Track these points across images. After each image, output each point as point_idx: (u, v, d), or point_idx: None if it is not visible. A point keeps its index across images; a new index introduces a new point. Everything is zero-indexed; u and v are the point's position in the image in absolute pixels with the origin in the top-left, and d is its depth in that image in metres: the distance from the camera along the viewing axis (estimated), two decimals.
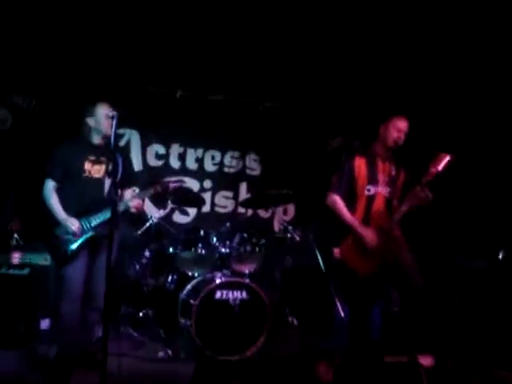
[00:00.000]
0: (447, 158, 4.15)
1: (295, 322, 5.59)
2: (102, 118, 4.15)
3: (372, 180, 4.48)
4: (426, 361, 3.82)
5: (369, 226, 4.40)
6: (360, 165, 4.50)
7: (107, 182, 4.18)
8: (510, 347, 4.30)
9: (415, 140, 4.57)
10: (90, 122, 4.20)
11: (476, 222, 5.73)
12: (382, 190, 4.50)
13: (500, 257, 4.61)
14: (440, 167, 4.17)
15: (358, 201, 4.48)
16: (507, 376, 3.87)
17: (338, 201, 4.45)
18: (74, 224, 4.05)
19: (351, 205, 4.47)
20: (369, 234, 4.31)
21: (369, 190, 4.48)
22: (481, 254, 4.73)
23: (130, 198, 4.29)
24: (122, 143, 6.31)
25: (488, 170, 5.79)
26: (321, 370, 4.10)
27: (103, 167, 4.19)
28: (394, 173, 4.57)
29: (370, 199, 4.47)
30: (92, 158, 4.20)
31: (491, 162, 5.77)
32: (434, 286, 4.73)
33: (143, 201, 4.38)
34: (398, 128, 4.45)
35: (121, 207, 4.21)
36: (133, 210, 4.29)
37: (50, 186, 4.16)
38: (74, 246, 4.08)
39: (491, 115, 5.79)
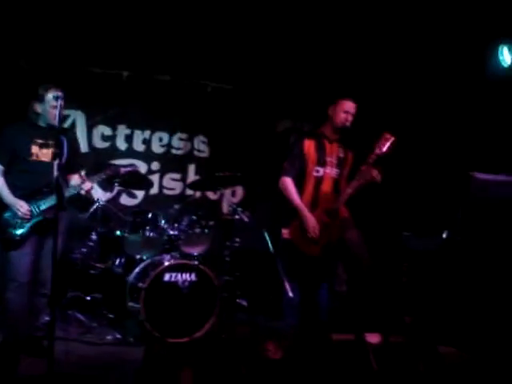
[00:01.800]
0: (392, 139, 4.29)
1: (244, 303, 5.63)
2: (49, 107, 4.06)
3: (320, 161, 4.56)
4: (373, 339, 3.92)
5: (317, 206, 4.47)
6: (309, 146, 4.57)
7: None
8: (454, 324, 4.46)
9: (363, 121, 4.65)
10: (37, 107, 4.11)
11: (422, 202, 5.88)
12: (329, 171, 4.59)
13: (444, 236, 4.74)
14: (385, 148, 4.30)
15: (307, 182, 4.56)
16: (452, 352, 4.01)
17: (289, 184, 4.53)
18: (23, 207, 3.96)
19: (300, 186, 4.54)
20: (311, 223, 4.41)
21: (317, 171, 4.56)
22: (426, 234, 4.85)
23: (80, 181, 4.21)
24: (67, 124, 6.16)
25: (433, 149, 5.93)
26: (270, 349, 4.16)
27: (51, 150, 4.09)
28: (342, 154, 4.67)
29: (319, 180, 4.55)
30: (39, 141, 4.10)
31: (437, 142, 5.91)
32: (380, 265, 4.84)
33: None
34: (346, 110, 4.53)
35: (71, 191, 4.15)
36: (83, 193, 4.22)
37: None
38: (22, 231, 3.99)
39: (436, 95, 5.92)
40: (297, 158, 4.57)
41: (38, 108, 4.11)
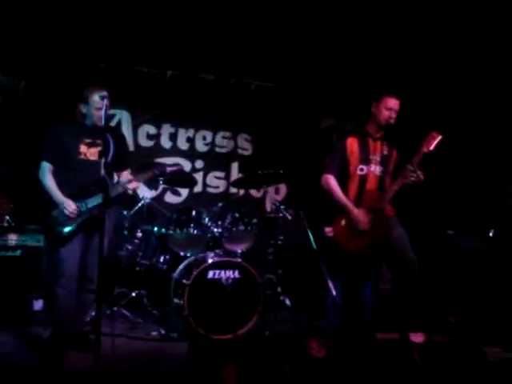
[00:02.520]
0: (439, 138, 4.19)
1: (287, 301, 5.62)
2: (93, 109, 4.13)
3: (364, 159, 4.50)
4: (417, 338, 3.87)
5: (361, 205, 4.43)
6: (352, 144, 4.53)
7: None
8: (499, 324, 4.36)
9: (407, 119, 4.57)
10: (82, 109, 4.18)
11: (467, 201, 5.77)
12: (374, 170, 4.52)
13: (490, 235, 4.65)
14: (432, 146, 4.20)
15: (351, 180, 4.51)
16: (497, 352, 3.93)
17: (331, 182, 4.50)
18: (70, 206, 4.04)
19: (344, 184, 4.50)
20: (361, 217, 4.36)
21: (361, 170, 4.51)
22: (472, 233, 4.76)
23: (127, 180, 4.26)
24: (113, 124, 6.27)
25: (480, 148, 5.81)
26: (313, 348, 4.14)
27: (99, 149, 4.16)
28: (386, 152, 4.58)
29: (363, 178, 4.50)
30: (87, 140, 4.17)
31: (483, 140, 5.79)
32: (425, 264, 4.77)
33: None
34: (389, 106, 4.46)
35: (118, 189, 4.20)
36: (130, 192, 4.29)
37: (46, 168, 4.15)
38: (69, 228, 4.07)
39: (484, 93, 5.80)
40: (339, 155, 4.52)
41: (83, 109, 4.18)
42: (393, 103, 4.47)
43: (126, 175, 4.36)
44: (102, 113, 3.65)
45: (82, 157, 4.15)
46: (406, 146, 4.50)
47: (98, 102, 4.05)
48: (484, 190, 5.60)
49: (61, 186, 4.11)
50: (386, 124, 4.47)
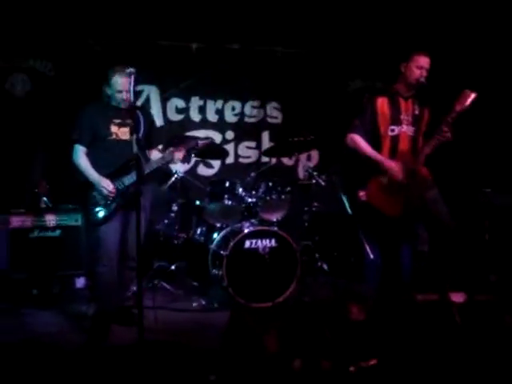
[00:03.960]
0: (473, 96, 4.04)
1: (325, 267, 5.64)
2: (115, 91, 4.15)
3: (395, 120, 4.39)
4: (457, 298, 3.84)
5: None
6: (382, 105, 4.40)
7: None
8: None
9: (439, 78, 4.46)
10: (107, 90, 4.21)
11: (503, 158, 5.65)
12: (406, 130, 4.41)
13: None
14: (466, 105, 4.06)
15: (383, 142, 4.40)
16: None
17: (358, 139, 4.38)
18: (109, 185, 4.10)
19: (376, 146, 4.40)
20: (394, 166, 4.26)
21: (393, 131, 4.40)
22: (508, 190, 4.67)
23: (170, 152, 4.26)
24: (142, 99, 6.30)
25: None
26: (353, 312, 4.15)
27: (129, 128, 4.16)
28: (417, 112, 4.45)
29: (395, 139, 4.39)
30: (117, 120, 4.20)
31: None
32: (462, 223, 4.71)
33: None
34: (420, 65, 4.30)
35: (153, 165, 4.24)
36: (174, 163, 4.36)
37: (80, 150, 4.21)
38: (108, 208, 4.13)
39: None
40: (368, 116, 4.40)
41: (108, 91, 4.20)
42: (423, 61, 4.31)
43: (157, 151, 4.39)
44: (130, 88, 3.64)
45: (114, 137, 4.18)
46: (439, 106, 4.37)
47: (119, 84, 4.09)
48: None
49: (95, 167, 4.16)
50: (416, 83, 4.33)
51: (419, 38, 5.89)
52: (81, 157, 4.19)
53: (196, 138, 4.92)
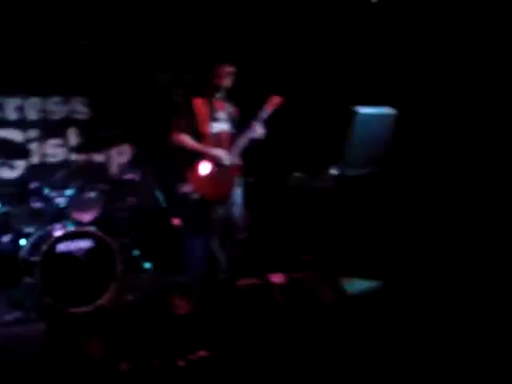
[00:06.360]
0: (279, 99, 4.65)
1: (145, 262, 5.54)
2: None
3: (213, 118, 4.70)
4: (277, 279, 4.03)
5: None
6: (199, 105, 4.69)
7: None
8: (350, 256, 4.67)
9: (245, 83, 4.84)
10: None
11: (308, 142, 5.97)
12: (224, 127, 4.75)
13: (332, 173, 4.82)
14: (274, 106, 4.64)
15: (204, 140, 4.66)
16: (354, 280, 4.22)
17: (184, 137, 4.66)
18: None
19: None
20: (221, 152, 4.61)
21: (212, 128, 4.68)
22: (316, 172, 4.93)
23: None
24: None
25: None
26: (178, 305, 4.15)
27: None
28: (231, 110, 4.86)
29: (216, 137, 4.69)
30: None
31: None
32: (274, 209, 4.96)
33: None
34: (225, 73, 4.70)
35: None
36: None
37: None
38: None
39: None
40: (187, 116, 4.67)
41: None
42: (227, 70, 4.71)
43: None
44: None
45: None
46: (248, 107, 4.79)
47: None
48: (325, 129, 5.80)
49: None
50: (225, 88, 4.75)
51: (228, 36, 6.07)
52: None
53: None
